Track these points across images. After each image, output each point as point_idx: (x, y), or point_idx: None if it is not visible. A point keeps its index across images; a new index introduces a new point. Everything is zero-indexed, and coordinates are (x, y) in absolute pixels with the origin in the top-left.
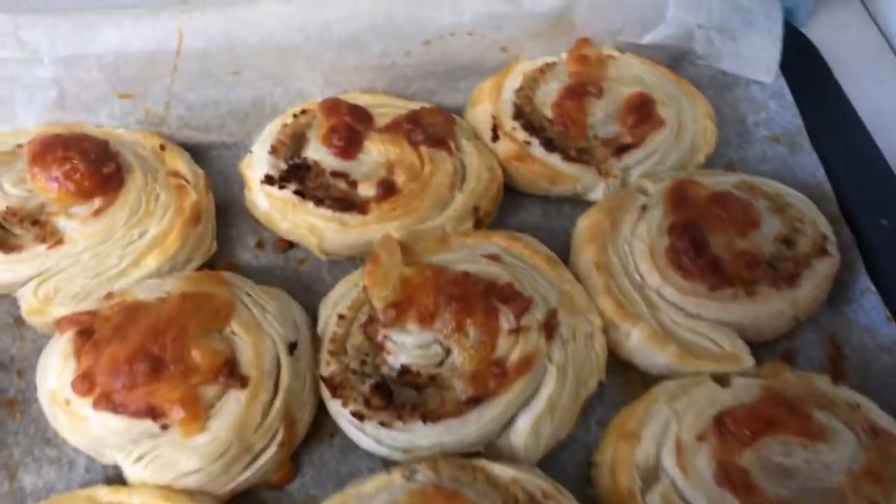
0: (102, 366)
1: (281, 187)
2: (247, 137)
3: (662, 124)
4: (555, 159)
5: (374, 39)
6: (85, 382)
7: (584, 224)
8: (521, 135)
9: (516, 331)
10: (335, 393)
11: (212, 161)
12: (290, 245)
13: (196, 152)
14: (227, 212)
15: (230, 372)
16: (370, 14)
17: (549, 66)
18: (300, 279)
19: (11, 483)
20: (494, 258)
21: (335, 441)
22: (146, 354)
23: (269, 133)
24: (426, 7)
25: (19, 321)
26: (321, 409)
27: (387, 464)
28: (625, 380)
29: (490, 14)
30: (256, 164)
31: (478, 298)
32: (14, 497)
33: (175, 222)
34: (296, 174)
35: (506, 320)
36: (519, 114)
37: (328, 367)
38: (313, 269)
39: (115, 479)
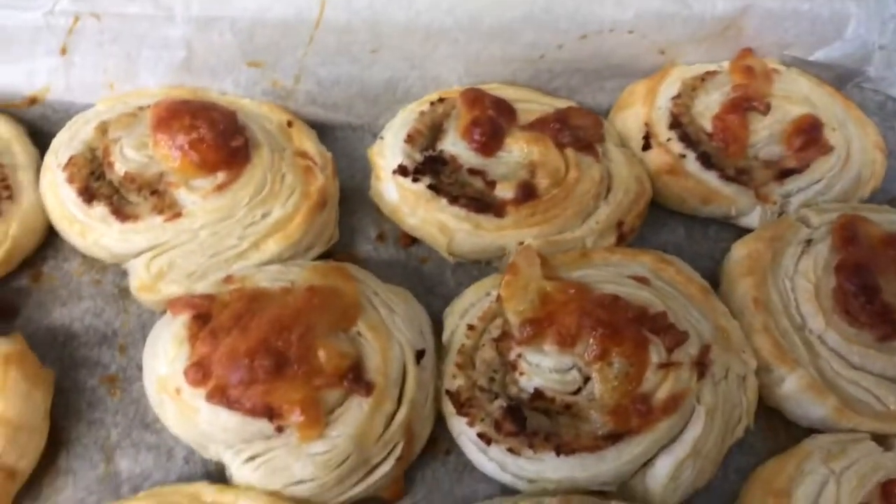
0: (220, 356)
1: (415, 180)
2: (374, 121)
3: (830, 151)
4: (710, 177)
5: (527, 30)
6: (199, 372)
7: (742, 253)
8: (677, 147)
9: (666, 365)
10: (460, 410)
11: (336, 142)
12: (414, 241)
13: (320, 131)
14: (348, 198)
15: (356, 377)
16: (527, 3)
17: (710, 75)
18: (422, 279)
19: (108, 466)
20: (643, 281)
21: (450, 459)
22: (269, 350)
23: (405, 120)
24: (589, 0)
25: (125, 293)
26: (437, 423)
27: (505, 491)
28: (768, 426)
29: (656, 13)
30: (389, 153)
31: (627, 326)
32: (110, 480)
33: (301, 206)
34: (431, 167)
35: (656, 353)
36: (675, 123)
37: (454, 381)
38: (436, 270)
39: (216, 475)
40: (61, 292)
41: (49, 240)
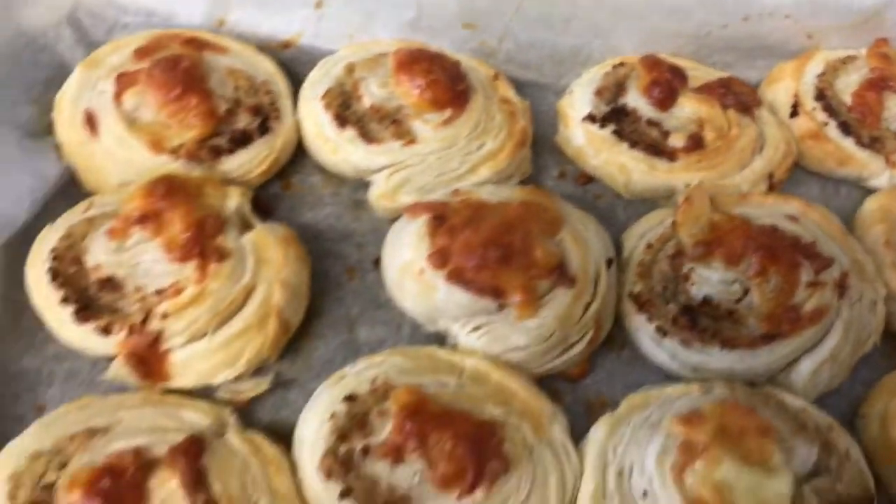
0: (458, 246)
1: (601, 126)
2: (557, 81)
3: None
4: (848, 143)
5: (700, 10)
6: (441, 258)
7: (875, 205)
8: (821, 115)
9: (814, 284)
10: (641, 308)
11: (525, 97)
12: (590, 180)
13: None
14: (534, 143)
15: (562, 272)
16: None
17: (851, 59)
18: (596, 212)
19: (350, 333)
20: (793, 219)
21: (624, 353)
22: (498, 243)
23: (592, 78)
24: None
25: (358, 204)
26: (615, 325)
27: (669, 379)
28: (892, 350)
29: (812, 1)
30: (578, 104)
31: (784, 250)
32: (352, 345)
33: (507, 142)
34: (615, 117)
35: (805, 274)
36: (820, 96)
37: (636, 286)
38: (609, 206)
39: (437, 343)
40: (308, 199)
41: (296, 158)
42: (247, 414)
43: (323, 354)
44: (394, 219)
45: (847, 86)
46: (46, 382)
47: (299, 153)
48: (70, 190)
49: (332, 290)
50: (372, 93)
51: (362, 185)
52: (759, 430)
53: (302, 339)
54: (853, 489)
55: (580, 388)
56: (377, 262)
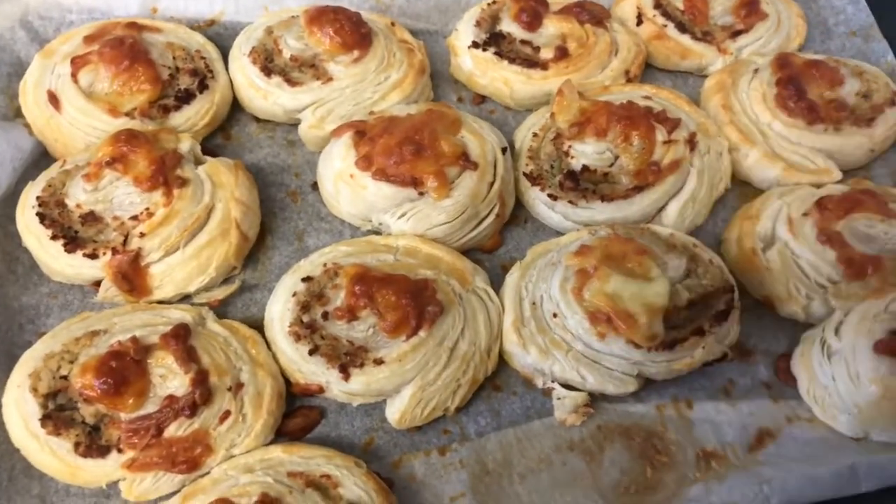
0: (379, 150)
1: (484, 50)
2: (444, 27)
3: (766, 16)
4: (685, 39)
5: None
6: (366, 161)
7: (712, 82)
8: (660, 20)
9: (668, 142)
10: (534, 182)
11: (419, 41)
12: (484, 99)
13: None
14: (432, 77)
15: (466, 159)
16: None
17: None
18: (492, 123)
19: (299, 243)
20: (647, 98)
21: (528, 225)
22: (410, 142)
23: (472, 14)
24: None
25: (291, 143)
26: (517, 205)
27: None
28: (742, 193)
29: None
30: (463, 36)
31: (640, 118)
32: (302, 251)
33: (409, 72)
34: (494, 41)
35: (660, 134)
36: (658, 5)
37: (527, 167)
38: (502, 117)
39: None
40: (247, 145)
41: (232, 114)
42: (221, 313)
43: (279, 261)
44: (321, 150)
45: None
46: (45, 314)
47: (235, 110)
48: (42, 162)
49: (280, 212)
50: (290, 45)
51: (292, 128)
52: (637, 251)
53: (259, 252)
54: (716, 282)
55: (496, 257)
56: (314, 186)
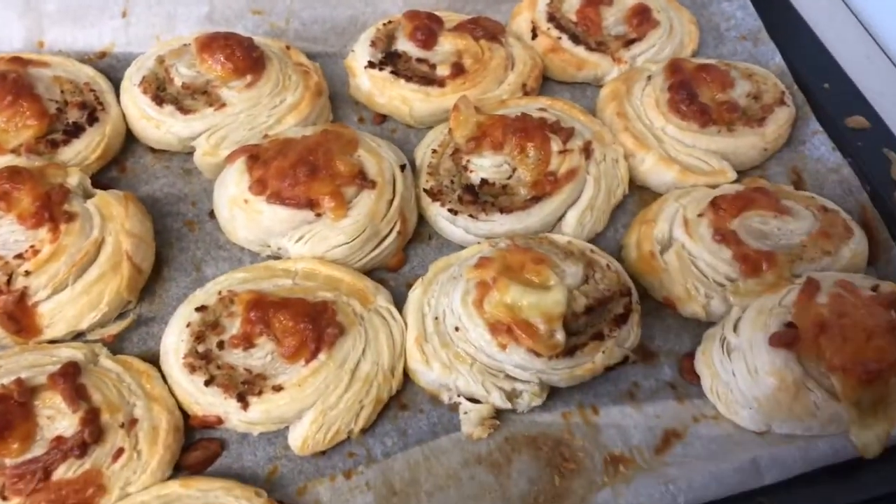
0: (272, 173)
1: (380, 69)
2: (343, 48)
3: (658, 24)
4: (580, 50)
5: None
6: (260, 185)
7: (606, 91)
8: (555, 32)
9: (563, 152)
10: (434, 198)
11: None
12: (384, 119)
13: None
14: (332, 99)
15: (363, 178)
16: None
17: None
18: (394, 142)
19: (197, 272)
20: (542, 110)
21: (432, 242)
22: (305, 163)
23: (367, 35)
24: None
25: (187, 172)
26: (421, 222)
27: None
28: (640, 199)
29: None
30: (360, 56)
31: (535, 130)
32: (200, 281)
33: (304, 94)
34: (391, 60)
35: (555, 144)
36: (551, 18)
37: (428, 183)
38: (403, 136)
39: None
40: (142, 176)
41: (126, 146)
42: (117, 349)
43: (176, 293)
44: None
45: (571, 7)
46: None
47: (130, 142)
48: None
49: (176, 242)
50: (181, 74)
51: (188, 157)
52: (535, 260)
53: (155, 284)
54: (613, 286)
55: (401, 276)
56: (212, 214)
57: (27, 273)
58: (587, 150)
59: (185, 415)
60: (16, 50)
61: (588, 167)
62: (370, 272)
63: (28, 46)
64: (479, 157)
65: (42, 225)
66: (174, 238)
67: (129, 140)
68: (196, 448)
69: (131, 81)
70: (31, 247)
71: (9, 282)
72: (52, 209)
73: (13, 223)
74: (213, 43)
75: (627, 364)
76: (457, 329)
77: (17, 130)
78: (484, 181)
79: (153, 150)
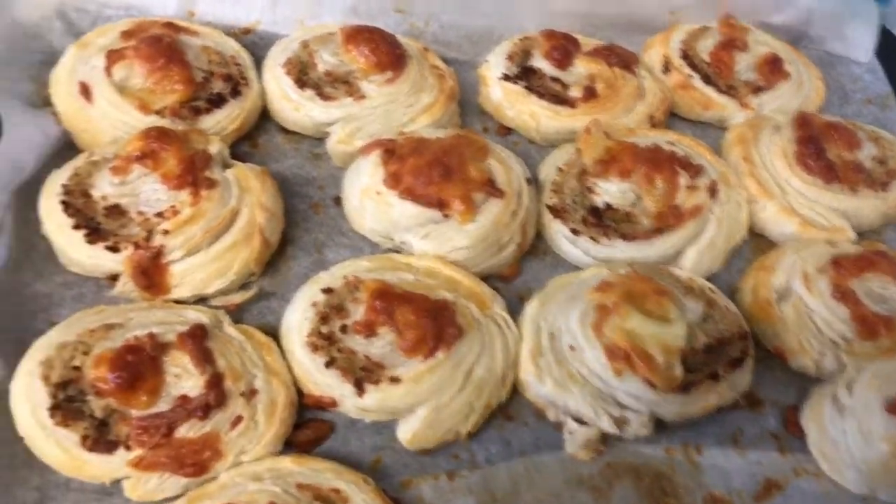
0: (408, 169)
1: (514, 83)
2: (474, 57)
3: (789, 76)
4: (710, 91)
5: None
6: (394, 179)
7: (733, 134)
8: (687, 70)
9: (690, 188)
10: (557, 215)
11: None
12: (509, 131)
13: None
14: (459, 106)
15: (492, 186)
16: None
17: (705, 29)
18: (516, 155)
19: (319, 255)
20: (671, 144)
21: (546, 258)
22: (440, 164)
23: (504, 48)
24: None
25: (316, 157)
26: (537, 237)
27: None
28: (756, 245)
29: None
30: (494, 67)
31: (664, 162)
32: (320, 264)
33: (439, 97)
34: (525, 75)
35: (683, 179)
36: (685, 56)
37: (551, 200)
38: (525, 150)
39: None
40: (273, 154)
41: (260, 124)
42: (236, 319)
43: (297, 271)
44: (346, 166)
45: (705, 48)
46: (58, 304)
47: (262, 120)
48: (66, 152)
49: (301, 222)
50: (325, 61)
51: (318, 141)
52: (657, 291)
53: (279, 261)
54: (732, 328)
55: (513, 286)
56: (337, 200)
57: (165, 232)
58: (713, 190)
59: (299, 393)
60: (169, 16)
61: (712, 206)
62: (484, 279)
63: (179, 14)
64: (605, 182)
65: (184, 187)
66: (300, 218)
67: (262, 118)
68: (307, 427)
69: (276, 61)
70: (172, 207)
71: (147, 238)
72: (194, 173)
73: (157, 182)
74: (360, 35)
75: (736, 409)
76: (572, 348)
77: (163, 93)
78: (608, 205)
79: (285, 131)
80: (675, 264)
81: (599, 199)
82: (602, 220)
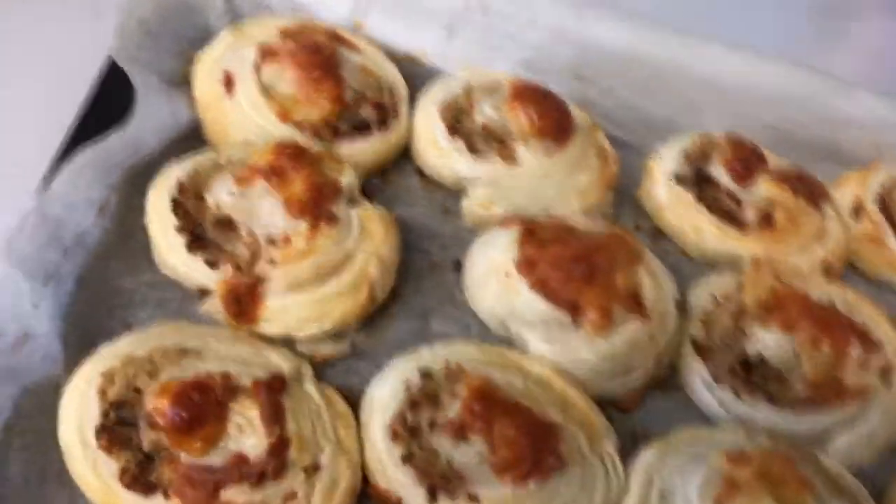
0: (547, 257)
1: (685, 187)
2: (643, 144)
3: None
4: None
5: (787, 105)
6: (529, 265)
7: None
8: (880, 220)
9: (861, 364)
10: (700, 353)
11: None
12: (661, 236)
13: None
14: (615, 193)
15: (636, 302)
16: (796, 85)
17: None
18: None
19: (423, 322)
20: (848, 305)
21: (673, 396)
22: (585, 262)
23: (681, 144)
24: (838, 95)
25: (447, 211)
26: (668, 368)
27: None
28: None
29: (883, 118)
30: (666, 163)
31: (837, 326)
32: (422, 333)
33: (598, 182)
34: (698, 181)
35: (855, 353)
36: (882, 204)
37: (698, 333)
38: (675, 263)
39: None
40: (403, 196)
41: (398, 160)
42: (319, 373)
43: (396, 335)
44: (477, 230)
45: None
46: (139, 305)
47: (402, 156)
48: (192, 141)
49: (413, 280)
50: (485, 113)
51: (453, 195)
52: (800, 482)
53: (379, 318)
54: None
55: (629, 419)
56: (457, 266)
57: (272, 261)
58: (886, 373)
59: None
60: (338, 19)
61: (881, 392)
62: (599, 403)
63: (347, 23)
64: (764, 330)
65: (304, 217)
66: (413, 276)
67: (402, 155)
68: None
69: (432, 100)
70: (286, 235)
71: (251, 262)
72: (319, 204)
73: (277, 203)
74: (529, 94)
75: None
76: None
77: (308, 105)
78: (761, 358)
79: (421, 174)
80: (820, 447)
81: (753, 348)
82: (750, 374)
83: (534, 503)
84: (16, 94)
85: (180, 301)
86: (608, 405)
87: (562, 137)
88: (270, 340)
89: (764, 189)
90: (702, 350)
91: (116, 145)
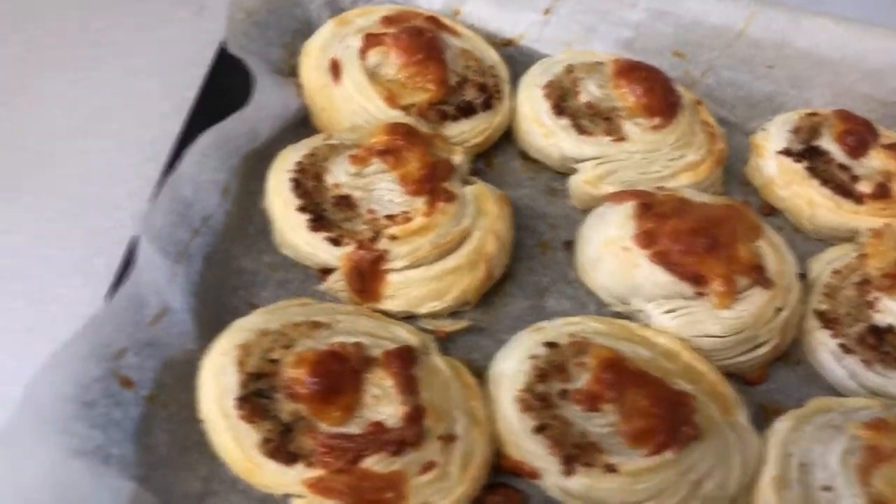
0: (666, 230)
1: (795, 160)
2: (746, 122)
3: None
4: None
5: (894, 77)
6: (647, 238)
7: None
8: None
9: None
10: (826, 324)
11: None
12: (773, 212)
13: None
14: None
15: (760, 272)
16: None
17: None
18: None
19: (538, 300)
20: None
21: (799, 368)
22: (706, 233)
23: (788, 119)
24: None
25: (552, 191)
26: (792, 343)
27: None
28: None
29: None
30: (774, 138)
31: None
32: (538, 311)
33: (707, 158)
34: (809, 154)
35: None
36: None
37: (822, 305)
38: (788, 238)
39: None
40: (507, 179)
41: (500, 143)
42: (442, 349)
43: (513, 311)
44: (585, 209)
45: None
46: (261, 284)
47: (503, 140)
48: (301, 128)
49: (525, 259)
50: (589, 91)
51: (558, 175)
52: None
53: (495, 295)
54: None
55: (756, 393)
56: (567, 244)
57: (393, 237)
58: None
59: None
60: (435, 10)
61: None
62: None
63: (445, 10)
64: (892, 299)
65: (421, 195)
66: (524, 255)
67: (504, 138)
68: (497, 493)
69: (535, 80)
70: (404, 212)
71: (373, 239)
72: (434, 182)
73: (394, 182)
74: (634, 72)
75: None
76: (826, 489)
77: (414, 89)
78: (890, 328)
79: (525, 157)
80: None
81: (881, 318)
82: (882, 344)
83: (672, 473)
84: (134, 87)
85: (301, 280)
86: (734, 378)
87: (669, 113)
88: (392, 317)
89: (877, 161)
90: (828, 320)
91: (236, 130)
